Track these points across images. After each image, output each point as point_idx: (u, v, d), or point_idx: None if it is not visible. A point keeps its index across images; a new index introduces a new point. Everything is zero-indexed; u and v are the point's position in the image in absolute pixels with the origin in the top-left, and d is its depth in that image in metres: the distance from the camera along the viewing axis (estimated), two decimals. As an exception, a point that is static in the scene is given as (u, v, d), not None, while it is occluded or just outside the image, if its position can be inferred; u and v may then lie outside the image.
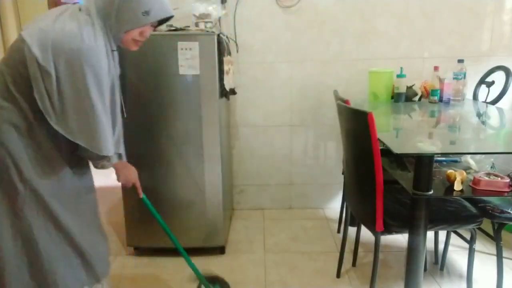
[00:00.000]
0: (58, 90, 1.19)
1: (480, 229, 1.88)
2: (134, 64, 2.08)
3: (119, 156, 1.50)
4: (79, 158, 1.36)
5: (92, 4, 1.26)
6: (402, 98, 2.43)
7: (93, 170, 1.49)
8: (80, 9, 1.26)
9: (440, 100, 2.41)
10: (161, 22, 1.40)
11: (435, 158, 1.65)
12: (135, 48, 1.38)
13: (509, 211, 1.69)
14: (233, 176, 2.98)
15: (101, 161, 1.37)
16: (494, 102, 2.43)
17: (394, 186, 1.80)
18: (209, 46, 2.06)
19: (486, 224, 1.90)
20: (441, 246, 2.21)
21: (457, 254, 2.32)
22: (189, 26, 2.27)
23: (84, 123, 1.24)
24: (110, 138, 1.32)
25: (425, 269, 2.14)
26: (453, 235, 2.20)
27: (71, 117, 1.22)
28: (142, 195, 1.65)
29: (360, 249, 2.31)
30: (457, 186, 1.49)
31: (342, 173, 2.52)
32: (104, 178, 4.05)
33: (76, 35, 1.19)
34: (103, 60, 1.24)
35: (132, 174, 1.59)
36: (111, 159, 1.38)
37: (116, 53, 1.37)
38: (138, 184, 1.62)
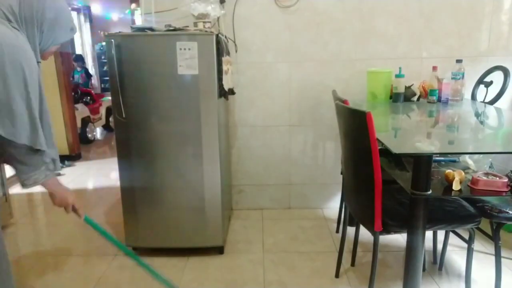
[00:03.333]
0: None
1: (478, 229, 1.88)
2: (133, 64, 2.08)
3: (53, 163, 1.37)
4: None
5: (11, 13, 1.22)
6: (401, 98, 2.44)
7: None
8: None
9: (439, 100, 2.42)
10: None
11: (434, 158, 1.65)
12: (46, 59, 1.41)
13: (507, 210, 1.69)
14: (232, 176, 2.98)
15: (32, 171, 1.26)
16: (492, 102, 2.44)
17: (393, 186, 1.81)
18: (208, 46, 2.06)
19: (485, 224, 1.90)
20: (439, 246, 2.21)
21: (455, 254, 2.32)
22: (188, 26, 2.28)
23: (22, 117, 1.19)
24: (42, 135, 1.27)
25: (423, 269, 2.14)
26: (451, 235, 2.20)
27: (4, 114, 1.16)
28: (83, 216, 1.49)
29: (359, 249, 2.31)
30: (456, 186, 1.49)
31: (341, 173, 2.52)
32: (103, 179, 4.07)
33: (11, 35, 1.17)
34: (35, 62, 1.24)
35: (69, 195, 1.42)
36: (46, 166, 1.30)
37: (40, 65, 1.34)
38: (77, 205, 1.45)
